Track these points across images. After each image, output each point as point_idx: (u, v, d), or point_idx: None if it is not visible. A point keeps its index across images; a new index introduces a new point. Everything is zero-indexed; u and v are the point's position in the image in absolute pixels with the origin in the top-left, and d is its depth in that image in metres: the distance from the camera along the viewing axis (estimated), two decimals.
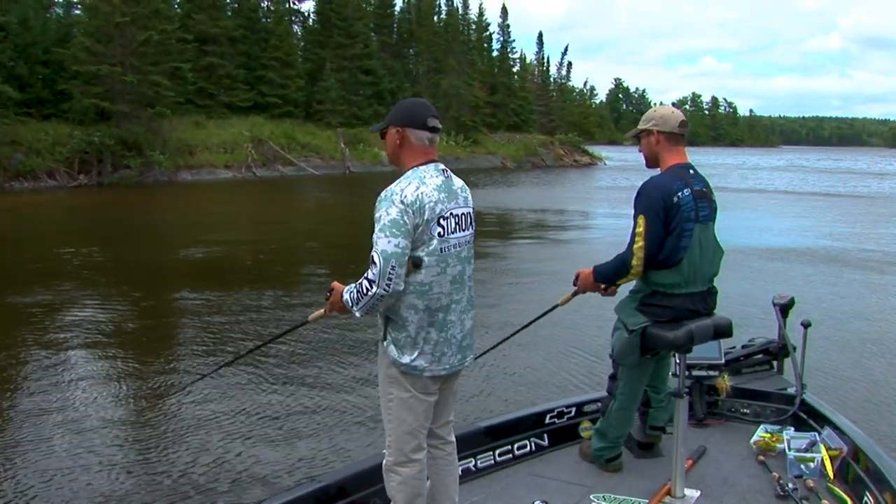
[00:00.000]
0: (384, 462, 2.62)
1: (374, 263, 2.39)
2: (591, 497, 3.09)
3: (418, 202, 2.42)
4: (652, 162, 3.20)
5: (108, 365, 6.36)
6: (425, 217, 2.42)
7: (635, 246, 3.00)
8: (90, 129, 28.10)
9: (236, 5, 43.37)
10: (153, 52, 30.18)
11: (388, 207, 2.41)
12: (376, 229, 2.42)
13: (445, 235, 2.49)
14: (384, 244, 2.38)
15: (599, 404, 3.49)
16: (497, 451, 3.45)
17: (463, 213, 2.57)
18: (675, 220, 2.98)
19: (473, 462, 3.36)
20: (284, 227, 17.57)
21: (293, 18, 49.72)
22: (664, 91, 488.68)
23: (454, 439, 2.79)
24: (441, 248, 2.48)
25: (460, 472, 2.91)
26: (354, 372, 6.08)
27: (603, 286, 3.24)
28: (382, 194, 2.46)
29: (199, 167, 31.70)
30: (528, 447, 3.55)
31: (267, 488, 3.98)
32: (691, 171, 3.12)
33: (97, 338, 7.20)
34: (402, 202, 2.41)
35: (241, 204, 23.33)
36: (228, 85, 39.44)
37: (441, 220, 2.47)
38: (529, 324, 3.85)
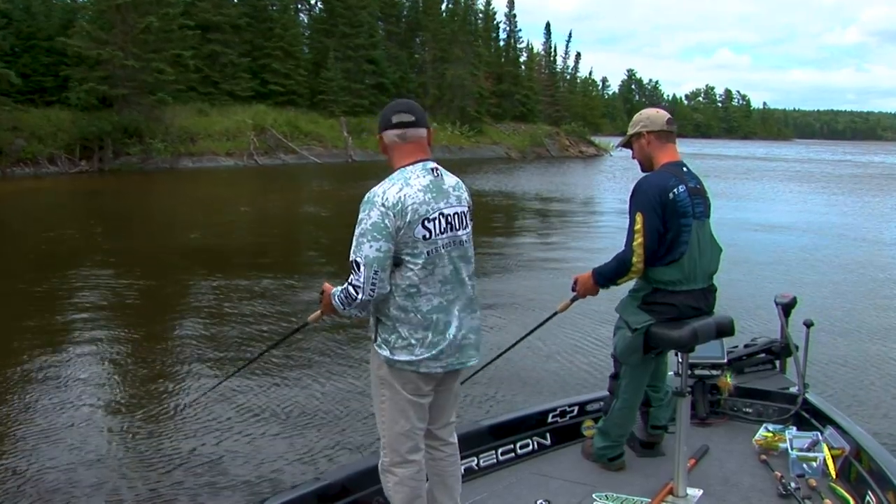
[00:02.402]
0: (380, 462, 2.62)
1: (357, 269, 2.39)
2: (594, 496, 3.09)
3: (400, 204, 2.39)
4: (646, 164, 3.21)
5: (110, 354, 6.35)
6: (407, 219, 2.40)
7: (634, 243, 2.99)
8: (92, 115, 28.09)
9: None
10: (154, 40, 30.11)
11: (370, 210, 2.40)
12: (357, 232, 2.41)
13: (432, 237, 2.45)
14: (366, 249, 2.38)
15: (602, 403, 3.49)
16: (500, 450, 3.45)
17: (455, 213, 2.52)
18: (672, 217, 2.99)
19: (476, 461, 3.36)
20: (284, 212, 17.57)
21: (299, 7, 49.60)
22: (679, 83, 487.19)
23: (456, 440, 2.77)
24: (428, 250, 2.45)
25: (463, 471, 2.91)
26: (355, 367, 6.08)
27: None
28: (366, 196, 2.45)
29: (201, 154, 31.67)
30: (531, 446, 3.55)
31: (269, 486, 3.98)
32: (685, 169, 3.14)
33: (101, 325, 7.20)
34: (383, 205, 2.39)
35: (241, 190, 23.32)
36: (231, 73, 39.33)
37: (426, 222, 2.43)
38: (529, 334, 3.85)
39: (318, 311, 2.77)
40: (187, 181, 25.73)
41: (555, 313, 3.59)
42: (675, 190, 2.99)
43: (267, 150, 34.93)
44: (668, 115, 3.20)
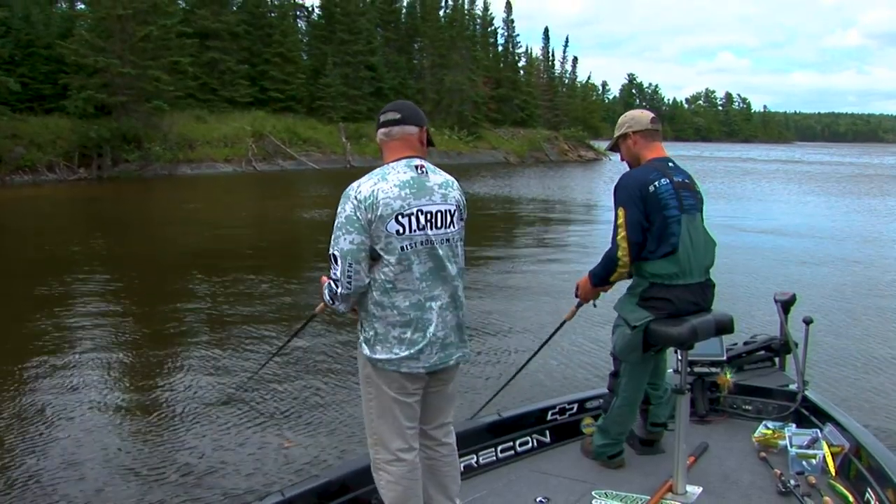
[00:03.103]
0: (372, 460, 2.60)
1: (335, 263, 2.43)
2: (593, 493, 3.09)
3: (371, 198, 2.41)
4: (634, 164, 3.26)
5: (109, 359, 6.33)
6: (378, 213, 2.41)
7: (618, 237, 3.04)
8: (91, 123, 28.13)
9: (241, 0, 43.32)
10: (153, 48, 30.19)
11: (345, 204, 2.45)
12: (334, 226, 2.45)
13: (406, 233, 2.44)
14: (341, 242, 2.42)
15: (601, 401, 3.49)
16: (499, 448, 3.45)
17: (439, 211, 2.52)
18: (655, 209, 3.02)
19: (475, 458, 3.36)
20: (283, 218, 17.56)
21: (298, 13, 49.74)
22: (680, 86, 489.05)
23: (452, 440, 2.74)
24: (402, 246, 2.44)
25: (462, 469, 2.90)
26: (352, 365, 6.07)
27: (602, 288, 3.28)
28: (345, 191, 2.49)
29: (200, 161, 31.70)
30: (531, 444, 3.55)
31: (268, 484, 3.97)
32: (670, 164, 3.18)
33: (100, 329, 7.19)
34: (356, 198, 2.42)
35: (240, 197, 23.33)
36: (230, 80, 39.37)
37: (399, 217, 2.43)
38: (542, 346, 3.89)
39: (322, 304, 2.79)
40: (186, 188, 25.73)
41: (563, 322, 3.64)
42: (656, 183, 3.03)
43: (265, 156, 34.94)
44: (652, 115, 3.28)
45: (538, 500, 3.01)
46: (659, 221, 3.02)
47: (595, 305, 3.40)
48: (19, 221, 16.79)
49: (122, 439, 4.67)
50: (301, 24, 50.07)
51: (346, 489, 2.90)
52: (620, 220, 3.03)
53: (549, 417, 3.65)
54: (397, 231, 2.43)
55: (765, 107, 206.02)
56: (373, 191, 2.42)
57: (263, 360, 6.07)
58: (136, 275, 10.21)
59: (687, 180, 3.17)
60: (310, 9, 50.46)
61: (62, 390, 5.52)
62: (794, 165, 53.56)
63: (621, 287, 3.26)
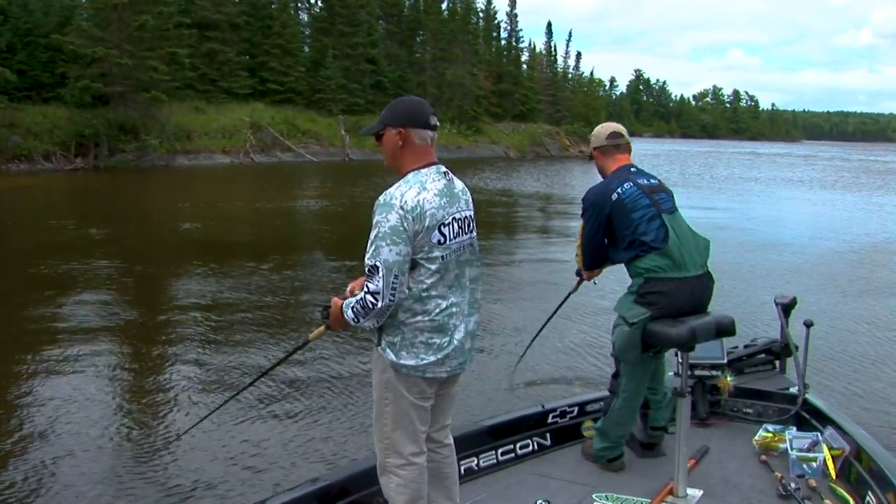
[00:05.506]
0: (379, 464, 2.58)
1: (377, 274, 2.32)
2: (594, 496, 3.09)
3: (419, 208, 2.35)
4: (604, 177, 3.41)
5: (107, 360, 6.28)
6: (426, 224, 2.36)
7: (576, 245, 3.49)
8: (88, 112, 28.08)
9: None
10: (150, 37, 30.14)
11: (388, 213, 2.34)
12: (374, 236, 2.35)
13: (446, 242, 2.42)
14: (386, 253, 2.32)
15: (602, 404, 3.49)
16: (500, 451, 3.44)
17: (465, 217, 2.51)
18: (622, 213, 3.15)
19: (476, 461, 3.35)
20: (280, 211, 17.54)
21: (299, 5, 49.59)
22: (689, 83, 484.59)
23: (452, 442, 2.74)
24: (442, 255, 2.42)
25: (463, 472, 2.89)
26: (353, 372, 6.06)
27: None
28: (381, 199, 2.39)
29: (197, 152, 31.68)
30: (531, 447, 3.55)
31: (268, 488, 3.96)
32: (633, 170, 3.30)
33: (97, 326, 7.17)
34: (401, 208, 2.33)
35: (237, 188, 23.27)
36: (229, 71, 39.25)
37: (442, 227, 2.41)
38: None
39: (322, 328, 2.69)
40: (183, 178, 25.69)
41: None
42: (619, 190, 3.17)
43: (263, 147, 34.90)
44: (611, 130, 3.40)
45: (538, 502, 3.01)
46: (629, 223, 3.13)
47: (595, 283, 3.78)
48: (14, 210, 16.75)
49: (116, 440, 4.65)
50: (302, 15, 49.96)
51: (346, 492, 2.89)
52: (579, 231, 3.39)
53: (549, 420, 3.64)
54: (439, 241, 2.40)
55: (773, 105, 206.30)
56: (418, 201, 2.35)
57: (259, 362, 6.05)
58: (131, 265, 10.18)
59: (657, 182, 3.28)
60: (310, 0, 50.37)
61: (55, 385, 5.49)
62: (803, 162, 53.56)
63: (622, 288, 3.27)
